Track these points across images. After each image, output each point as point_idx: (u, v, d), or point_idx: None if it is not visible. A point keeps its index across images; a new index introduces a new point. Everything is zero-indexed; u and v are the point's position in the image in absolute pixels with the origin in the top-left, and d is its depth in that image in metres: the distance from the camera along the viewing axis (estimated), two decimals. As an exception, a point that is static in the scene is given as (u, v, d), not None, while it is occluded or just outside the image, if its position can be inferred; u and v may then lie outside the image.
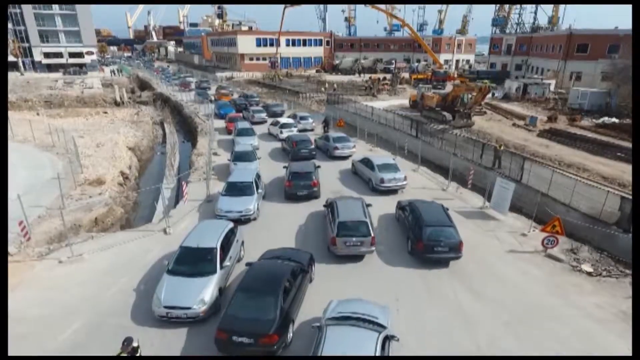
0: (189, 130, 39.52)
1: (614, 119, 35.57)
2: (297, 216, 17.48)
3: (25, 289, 12.17)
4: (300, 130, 31.13)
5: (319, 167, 21.70)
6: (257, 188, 17.92)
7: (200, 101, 45.89)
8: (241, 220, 16.31)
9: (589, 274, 13.05)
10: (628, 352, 9.85)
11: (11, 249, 14.36)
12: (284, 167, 21.34)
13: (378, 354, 8.11)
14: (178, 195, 22.00)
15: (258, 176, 19.08)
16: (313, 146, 25.65)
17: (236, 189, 17.39)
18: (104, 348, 9.72)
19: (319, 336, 8.65)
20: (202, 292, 10.76)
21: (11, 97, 48.38)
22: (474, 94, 35.26)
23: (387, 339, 8.72)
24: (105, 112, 41.56)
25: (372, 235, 13.72)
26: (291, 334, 10.04)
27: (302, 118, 34.49)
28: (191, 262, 11.62)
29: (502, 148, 23.00)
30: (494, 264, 13.75)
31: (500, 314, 11.18)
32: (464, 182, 21.63)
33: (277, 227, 16.49)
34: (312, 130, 33.37)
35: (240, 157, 22.50)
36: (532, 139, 31.59)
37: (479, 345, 10.08)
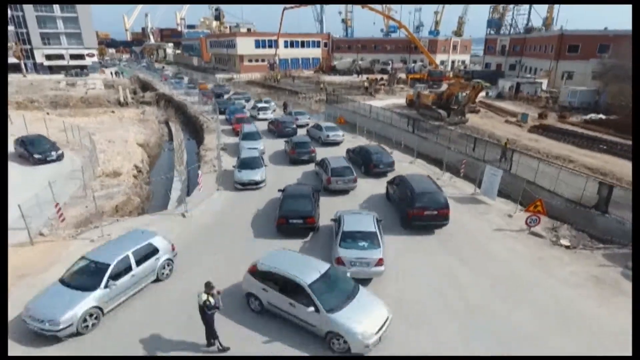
0: (193, 129, 40.95)
1: (601, 116, 37.25)
2: (296, 173, 23.40)
3: (63, 265, 13.47)
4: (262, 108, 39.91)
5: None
6: None
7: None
8: None
9: (567, 247, 14.62)
10: (596, 309, 11.37)
11: (44, 230, 15.78)
12: (285, 141, 27.55)
13: (375, 226, 13.64)
14: (189, 186, 23.46)
15: None
16: (295, 125, 32.72)
17: None
18: (138, 310, 11.28)
19: (337, 222, 14.28)
20: (73, 308, 10.04)
21: (18, 97, 49.69)
22: (468, 92, 36.82)
23: (378, 220, 14.42)
24: (113, 112, 42.90)
25: (355, 176, 20.15)
26: (319, 223, 16.02)
27: (266, 101, 44.55)
28: (86, 273, 11.07)
29: (507, 145, 24.62)
30: (482, 241, 15.29)
31: (487, 280, 12.70)
32: (457, 173, 23.21)
33: (285, 179, 21.08)
34: (274, 111, 41.87)
35: (246, 164, 21.78)
36: (523, 135, 33.18)
37: (467, 302, 11.59)
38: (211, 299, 9.34)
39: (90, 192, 19.81)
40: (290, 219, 15.37)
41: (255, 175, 20.71)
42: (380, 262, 12.36)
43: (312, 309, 9.78)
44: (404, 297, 11.83)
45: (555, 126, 34.59)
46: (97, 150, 26.26)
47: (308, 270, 10.62)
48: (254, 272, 11.12)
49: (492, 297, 11.92)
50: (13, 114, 35.90)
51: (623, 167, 23.71)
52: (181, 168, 26.66)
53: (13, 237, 14.98)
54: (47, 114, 39.08)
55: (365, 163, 22.91)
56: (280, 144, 28.62)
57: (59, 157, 24.81)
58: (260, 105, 41.00)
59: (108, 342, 10.20)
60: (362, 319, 9.63)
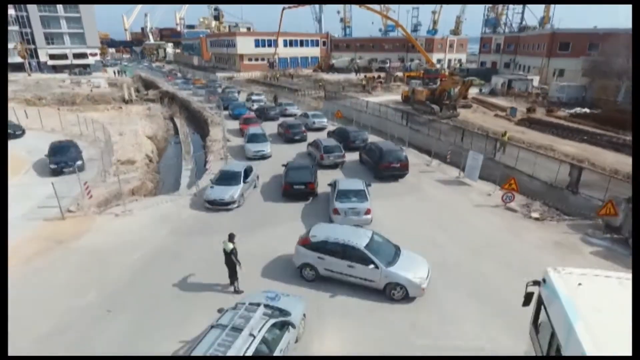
0: (198, 124, 42.78)
1: (586, 109, 39.19)
2: (290, 150, 27.32)
3: (94, 233, 15.51)
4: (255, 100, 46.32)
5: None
6: None
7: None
8: None
9: (536, 219, 16.54)
10: (554, 263, 13.23)
11: (72, 207, 17.65)
12: (279, 125, 32.11)
13: (364, 186, 16.88)
14: (197, 173, 25.35)
15: None
16: (278, 110, 39.63)
17: None
18: (166, 264, 13.21)
19: (333, 186, 17.39)
20: None
21: (27, 95, 51.60)
22: (459, 87, 38.74)
23: (368, 185, 17.50)
24: (120, 107, 44.74)
25: (343, 152, 23.89)
26: (318, 190, 19.16)
27: (257, 94, 50.95)
28: None
29: (506, 137, 26.42)
30: (462, 214, 17.22)
31: (464, 243, 14.61)
32: (445, 160, 25.10)
33: (282, 158, 24.02)
34: (265, 102, 47.13)
35: (224, 178, 18.83)
36: (510, 127, 34.99)
37: (445, 258, 13.55)
38: (236, 247, 11.38)
39: (108, 178, 21.79)
40: (294, 185, 18.62)
41: (225, 193, 17.73)
42: (368, 212, 15.80)
43: (372, 266, 11.38)
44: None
45: (541, 119, 36.51)
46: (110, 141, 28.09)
47: (357, 236, 12.18)
48: (307, 244, 12.27)
49: (466, 254, 13.92)
50: (28, 110, 37.72)
51: (598, 155, 25.68)
52: (189, 157, 28.49)
53: (45, 213, 16.93)
54: (58, 109, 40.82)
55: (344, 140, 26.84)
56: (271, 127, 33.02)
57: (78, 168, 21.14)
58: (253, 97, 47.72)
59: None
60: (413, 269, 11.53)
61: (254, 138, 27.02)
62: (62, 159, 22.89)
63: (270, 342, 8.25)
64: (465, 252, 14.05)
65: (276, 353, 8.26)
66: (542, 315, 7.02)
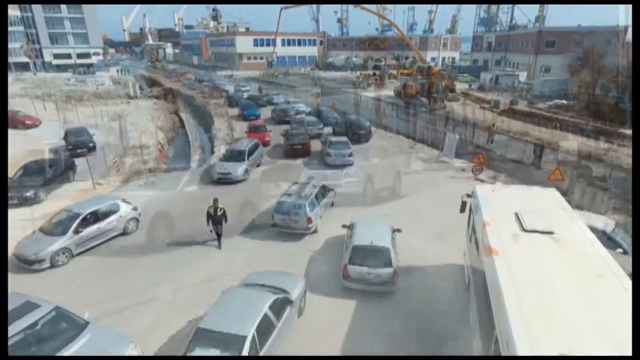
0: (202, 117, 45.43)
1: (563, 101, 42.09)
2: (281, 129, 29.88)
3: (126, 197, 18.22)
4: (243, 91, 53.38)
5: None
6: None
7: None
8: None
9: (499, 186, 19.34)
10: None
11: (101, 181, 20.43)
12: (272, 110, 38.04)
13: (347, 140, 24.28)
14: (205, 159, 28.13)
15: None
16: (266, 99, 45.75)
17: None
18: (188, 220, 16.00)
19: (326, 142, 23.90)
20: None
21: (37, 92, 54.32)
22: (445, 81, 41.81)
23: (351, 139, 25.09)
24: (129, 102, 47.48)
25: (322, 125, 30.26)
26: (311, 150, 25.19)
27: (243, 85, 58.34)
28: None
29: (494, 128, 29.17)
30: (439, 184, 20.05)
31: (437, 204, 17.41)
32: (427, 144, 28.05)
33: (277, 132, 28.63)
34: (249, 90, 53.98)
35: (57, 223, 13.87)
36: (493, 117, 37.90)
37: (419, 214, 16.28)
38: (210, 210, 13.81)
39: (127, 159, 24.55)
40: (294, 145, 24.98)
41: (30, 249, 12.66)
42: (350, 155, 22.74)
43: None
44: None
45: (522, 110, 39.43)
46: (124, 130, 30.85)
47: None
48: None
49: (435, 210, 16.75)
50: (46, 104, 40.58)
51: (565, 138, 28.75)
52: (197, 143, 31.27)
53: (79, 185, 19.70)
54: (71, 103, 43.55)
55: (319, 119, 32.65)
56: (266, 113, 38.43)
57: (33, 198, 17.81)
58: (242, 88, 55.79)
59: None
60: None
61: (231, 155, 21.33)
62: (24, 185, 17.92)
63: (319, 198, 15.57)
64: (440, 209, 16.75)
65: (322, 203, 15.56)
66: (472, 218, 9.91)
